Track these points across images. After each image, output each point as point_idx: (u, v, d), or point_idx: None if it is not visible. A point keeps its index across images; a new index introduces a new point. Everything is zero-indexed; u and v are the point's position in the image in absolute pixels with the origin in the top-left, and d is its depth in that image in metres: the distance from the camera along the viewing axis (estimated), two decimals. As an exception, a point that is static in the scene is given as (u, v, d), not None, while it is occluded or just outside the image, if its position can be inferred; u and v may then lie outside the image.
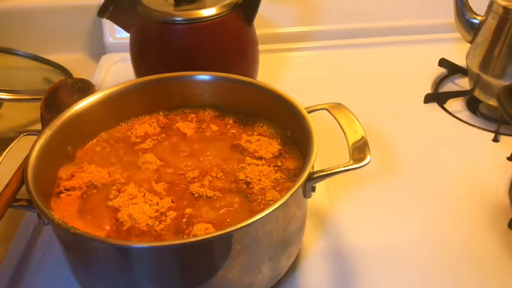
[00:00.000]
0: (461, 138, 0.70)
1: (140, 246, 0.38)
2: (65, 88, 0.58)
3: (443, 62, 0.83)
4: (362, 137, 0.48)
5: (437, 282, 0.50)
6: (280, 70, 0.85)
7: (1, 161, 0.47)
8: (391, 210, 0.59)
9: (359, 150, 0.46)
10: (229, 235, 0.38)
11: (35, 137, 0.50)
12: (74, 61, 0.92)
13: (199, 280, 0.41)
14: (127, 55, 0.87)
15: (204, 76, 0.58)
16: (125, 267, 0.39)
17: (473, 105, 0.76)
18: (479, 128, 0.71)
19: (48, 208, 0.41)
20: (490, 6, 0.68)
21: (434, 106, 0.76)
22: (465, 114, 0.75)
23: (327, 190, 0.60)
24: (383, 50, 0.89)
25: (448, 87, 0.81)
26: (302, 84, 0.80)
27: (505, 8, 0.66)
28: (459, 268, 0.51)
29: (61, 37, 0.96)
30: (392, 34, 0.91)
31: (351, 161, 0.45)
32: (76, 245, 0.41)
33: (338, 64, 0.87)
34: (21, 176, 0.44)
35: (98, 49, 0.96)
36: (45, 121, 0.53)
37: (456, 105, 0.77)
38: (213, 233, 0.38)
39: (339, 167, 0.45)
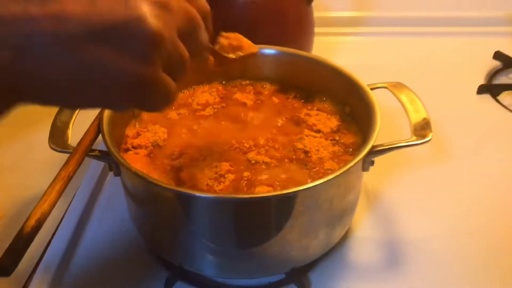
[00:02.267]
0: (513, 130, 0.70)
1: (212, 196, 0.40)
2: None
3: (498, 55, 0.82)
4: (424, 116, 0.48)
5: (484, 272, 0.50)
6: (332, 54, 0.85)
7: (76, 116, 0.50)
8: (439, 195, 0.59)
9: (421, 127, 0.47)
10: (294, 195, 0.39)
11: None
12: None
13: (260, 238, 0.42)
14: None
15: (267, 50, 0.59)
16: (190, 217, 0.42)
17: (527, 100, 0.75)
18: (532, 121, 0.70)
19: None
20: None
21: (487, 97, 0.76)
22: (518, 108, 0.74)
23: (378, 170, 0.61)
24: (437, 40, 0.89)
25: (502, 80, 0.80)
26: (353, 69, 0.81)
27: None
28: (507, 259, 0.51)
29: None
30: (448, 24, 0.91)
31: (414, 137, 0.46)
32: (146, 195, 0.43)
33: (391, 51, 0.87)
34: (96, 128, 0.47)
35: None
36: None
37: (509, 98, 0.76)
38: (281, 191, 0.39)
39: (400, 142, 0.46)
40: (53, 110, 0.51)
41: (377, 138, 0.46)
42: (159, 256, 0.50)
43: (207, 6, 0.34)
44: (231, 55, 0.48)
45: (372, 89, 0.53)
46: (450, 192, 0.60)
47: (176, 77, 0.31)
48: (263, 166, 0.48)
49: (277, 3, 0.70)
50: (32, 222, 0.35)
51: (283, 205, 0.40)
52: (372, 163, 0.47)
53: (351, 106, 0.55)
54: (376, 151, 0.45)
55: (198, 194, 0.40)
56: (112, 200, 0.57)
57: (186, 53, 0.31)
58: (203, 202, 0.40)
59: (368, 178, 0.60)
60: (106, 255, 0.50)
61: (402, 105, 0.51)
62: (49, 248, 0.51)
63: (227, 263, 0.45)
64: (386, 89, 0.54)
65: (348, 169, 0.41)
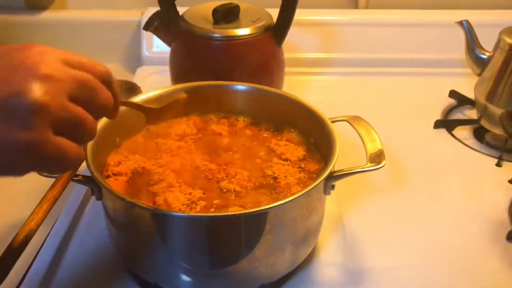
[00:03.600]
0: (467, 161, 0.76)
1: (185, 215, 0.44)
2: (115, 88, 0.65)
3: (453, 94, 0.90)
4: (379, 146, 0.54)
5: None
6: (301, 91, 0.92)
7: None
8: (397, 221, 0.64)
9: (376, 156, 0.52)
10: (262, 213, 0.44)
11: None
12: (112, 71, 1.00)
13: (231, 255, 0.46)
14: (162, 68, 0.95)
15: (240, 86, 0.65)
16: (164, 236, 0.46)
17: (479, 134, 0.82)
18: (484, 154, 0.77)
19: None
20: (498, 43, 0.75)
21: (443, 132, 0.82)
22: (472, 142, 0.81)
23: (341, 198, 0.66)
24: (398, 79, 0.96)
25: (456, 116, 0.88)
26: (320, 105, 0.87)
27: (511, 45, 0.73)
28: (460, 279, 0.56)
29: (102, 48, 1.04)
30: (407, 65, 0.99)
31: (369, 164, 0.51)
32: (124, 216, 0.47)
33: (355, 89, 0.94)
34: (80, 155, 0.51)
35: (133, 61, 1.04)
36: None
37: (464, 133, 0.83)
38: (250, 209, 0.44)
39: (357, 168, 0.51)
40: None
41: (337, 165, 0.51)
42: (136, 275, 0.53)
43: (104, 69, 0.38)
44: (153, 105, 0.52)
45: (333, 122, 0.58)
46: (408, 219, 0.65)
47: (78, 138, 0.35)
48: (233, 196, 0.52)
49: (250, 46, 0.76)
50: (20, 237, 0.39)
51: (252, 224, 0.45)
52: (333, 187, 0.52)
53: (315, 137, 0.60)
54: (335, 176, 0.50)
55: (173, 213, 0.44)
56: (92, 223, 0.60)
57: (82, 115, 0.35)
58: (177, 221, 0.44)
59: (334, 204, 0.64)
60: (86, 274, 0.53)
61: (360, 136, 0.56)
62: (32, 266, 0.53)
63: (200, 280, 0.49)
64: (346, 122, 0.60)
65: (309, 191, 0.46)
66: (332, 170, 0.50)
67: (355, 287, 0.54)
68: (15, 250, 0.37)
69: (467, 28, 0.79)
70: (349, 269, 0.57)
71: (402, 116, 0.87)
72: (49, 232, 0.58)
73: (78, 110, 0.35)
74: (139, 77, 0.96)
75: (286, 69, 0.85)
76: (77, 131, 0.35)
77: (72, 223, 0.60)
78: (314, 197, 0.49)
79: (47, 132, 0.33)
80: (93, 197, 0.51)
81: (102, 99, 0.36)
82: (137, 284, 0.53)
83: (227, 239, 0.46)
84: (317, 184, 0.47)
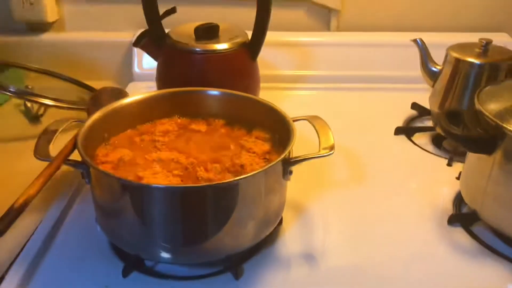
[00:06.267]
0: (422, 162, 0.85)
1: (162, 186, 0.53)
2: (106, 92, 0.74)
3: (414, 106, 0.99)
4: (332, 141, 0.62)
5: (391, 275, 0.61)
6: (277, 104, 1.01)
7: (55, 138, 0.62)
8: (357, 214, 0.72)
9: (328, 148, 0.61)
10: (224, 186, 0.52)
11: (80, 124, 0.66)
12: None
13: (199, 225, 0.54)
14: (151, 84, 1.04)
15: (214, 92, 0.74)
16: (142, 208, 0.53)
17: (438, 141, 0.90)
18: (438, 156, 0.86)
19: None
20: (446, 57, 0.85)
21: (403, 138, 0.91)
22: (430, 147, 0.89)
23: (307, 191, 0.74)
24: (365, 94, 1.06)
25: (417, 125, 0.97)
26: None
27: (456, 59, 0.83)
28: (412, 263, 0.63)
29: (97, 66, 1.14)
30: (374, 82, 1.09)
31: (321, 151, 0.60)
32: (108, 191, 0.55)
33: (326, 103, 1.04)
34: (73, 144, 0.59)
35: (126, 78, 1.14)
36: (90, 113, 0.68)
37: (423, 140, 0.91)
38: (214, 182, 0.52)
39: (310, 155, 0.60)
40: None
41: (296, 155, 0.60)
42: (119, 250, 0.60)
43: None
44: None
45: (295, 121, 0.67)
46: (368, 209, 0.73)
47: None
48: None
49: (227, 59, 0.86)
50: (21, 200, 0.46)
51: (217, 196, 0.53)
52: (291, 172, 0.60)
53: (280, 134, 0.68)
54: (292, 161, 0.59)
55: (151, 184, 0.52)
56: (82, 211, 0.68)
57: None
58: (154, 192, 0.52)
59: (297, 196, 0.72)
60: (74, 252, 0.61)
61: (316, 131, 0.65)
62: (27, 244, 0.61)
63: (174, 252, 0.56)
64: (306, 121, 0.68)
65: (266, 170, 0.54)
66: (289, 156, 0.59)
67: (313, 267, 0.61)
68: (16, 210, 0.45)
69: (421, 45, 0.89)
70: (308, 249, 0.64)
71: (367, 125, 0.96)
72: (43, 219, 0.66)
73: None
74: (130, 92, 1.05)
75: (264, 85, 0.94)
76: None
77: (64, 210, 0.68)
78: (272, 178, 0.57)
79: None
80: (83, 192, 0.59)
81: None
82: (119, 259, 0.60)
83: (196, 210, 0.53)
84: (273, 164, 0.55)
